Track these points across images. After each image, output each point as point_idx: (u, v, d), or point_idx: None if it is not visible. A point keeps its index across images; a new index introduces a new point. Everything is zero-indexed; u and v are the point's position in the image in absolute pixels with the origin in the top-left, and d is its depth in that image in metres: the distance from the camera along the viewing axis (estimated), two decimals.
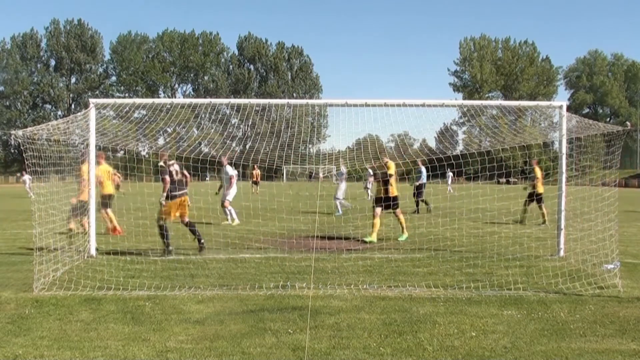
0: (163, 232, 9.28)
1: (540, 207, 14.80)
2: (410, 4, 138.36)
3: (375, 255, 9.22)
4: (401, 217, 11.31)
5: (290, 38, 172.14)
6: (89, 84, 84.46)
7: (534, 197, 14.75)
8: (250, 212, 17.15)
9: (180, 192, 9.49)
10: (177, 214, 9.57)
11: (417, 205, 18.28)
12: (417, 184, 18.25)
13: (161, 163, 9.54)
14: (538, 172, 14.80)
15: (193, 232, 9.73)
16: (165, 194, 9.31)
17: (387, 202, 10.98)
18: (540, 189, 14.78)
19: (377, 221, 11.02)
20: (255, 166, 29.15)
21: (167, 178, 9.31)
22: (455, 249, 9.85)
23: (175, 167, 9.58)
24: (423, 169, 18.08)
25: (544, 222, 14.36)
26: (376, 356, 4.47)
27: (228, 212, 14.77)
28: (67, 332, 5.05)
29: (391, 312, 5.71)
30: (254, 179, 31.64)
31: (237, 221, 14.55)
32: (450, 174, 31.27)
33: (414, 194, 18.37)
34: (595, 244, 8.00)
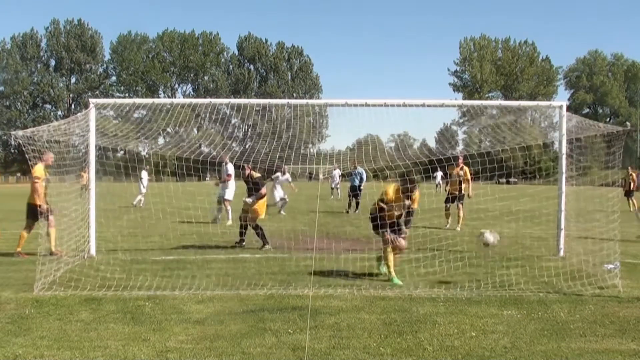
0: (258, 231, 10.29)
1: (447, 208, 13.87)
2: (410, 4, 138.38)
3: (375, 255, 9.21)
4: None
5: (290, 38, 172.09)
6: (89, 84, 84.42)
7: (457, 196, 13.73)
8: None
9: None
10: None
11: (350, 205, 18.82)
12: (354, 184, 18.75)
13: (257, 175, 10.68)
14: (467, 172, 13.63)
15: (257, 234, 10.38)
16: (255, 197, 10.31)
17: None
18: (466, 189, 13.76)
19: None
20: (246, 166, 28.49)
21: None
22: (455, 249, 9.85)
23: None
24: (361, 170, 18.35)
25: (447, 224, 13.69)
26: (376, 356, 4.47)
27: (228, 211, 14.53)
28: (67, 332, 5.05)
29: (391, 312, 5.71)
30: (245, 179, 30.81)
31: (229, 222, 14.26)
32: (440, 173, 30.78)
33: (349, 194, 19.06)
34: (596, 244, 8.00)
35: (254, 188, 10.38)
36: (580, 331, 5.11)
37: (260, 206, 10.41)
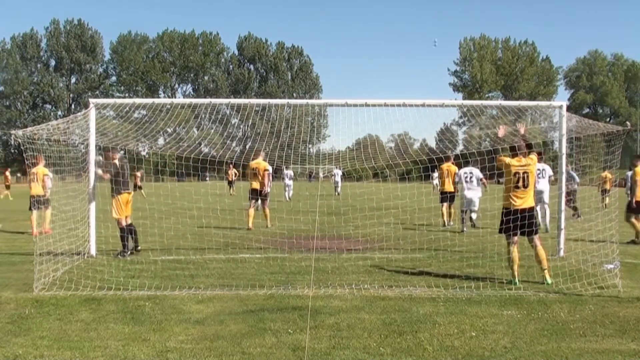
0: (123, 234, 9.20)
1: (446, 207, 13.67)
2: (410, 4, 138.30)
3: (375, 255, 9.23)
4: None
5: (290, 38, 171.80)
6: (89, 84, 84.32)
7: (444, 195, 13.62)
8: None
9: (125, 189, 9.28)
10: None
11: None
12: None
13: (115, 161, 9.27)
14: (453, 168, 13.54)
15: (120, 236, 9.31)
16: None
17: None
18: (450, 187, 13.62)
19: None
20: (231, 165, 27.00)
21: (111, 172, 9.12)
22: (455, 249, 9.85)
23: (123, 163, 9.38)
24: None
25: (444, 224, 13.48)
26: (376, 356, 4.47)
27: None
28: (67, 332, 5.06)
29: (391, 312, 5.71)
30: (229, 179, 29.15)
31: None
32: (436, 173, 30.73)
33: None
34: (595, 244, 8.00)
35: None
36: (580, 331, 5.11)
37: (116, 203, 9.16)
